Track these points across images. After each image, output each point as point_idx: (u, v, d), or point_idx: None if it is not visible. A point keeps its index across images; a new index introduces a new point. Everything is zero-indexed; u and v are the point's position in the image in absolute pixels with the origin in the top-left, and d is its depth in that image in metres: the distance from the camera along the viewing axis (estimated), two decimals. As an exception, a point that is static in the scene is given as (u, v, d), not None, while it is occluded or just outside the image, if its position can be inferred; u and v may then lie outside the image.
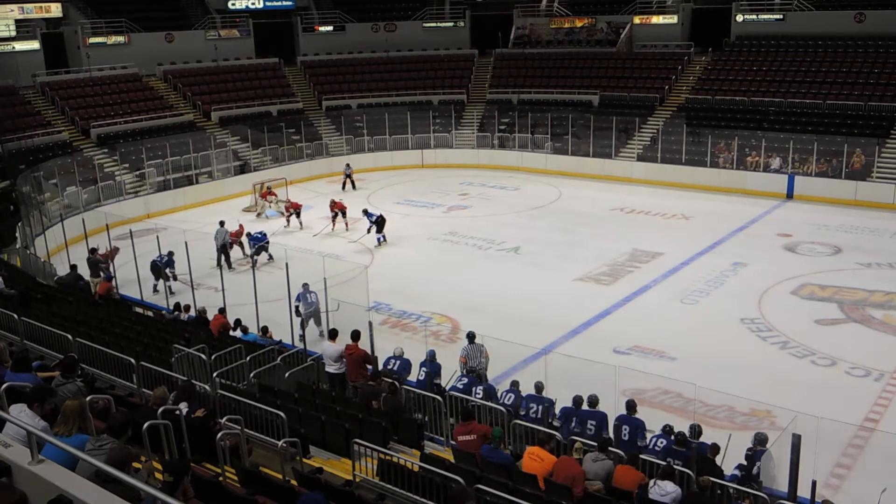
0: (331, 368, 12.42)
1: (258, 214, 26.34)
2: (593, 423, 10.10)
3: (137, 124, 31.03)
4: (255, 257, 20.10)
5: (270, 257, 20.69)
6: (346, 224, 24.01)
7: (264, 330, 14.70)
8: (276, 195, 26.77)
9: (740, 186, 27.85)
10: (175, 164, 28.77)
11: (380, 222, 22.66)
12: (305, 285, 15.36)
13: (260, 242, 20.61)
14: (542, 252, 21.66)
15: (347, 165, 30.52)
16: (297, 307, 15.26)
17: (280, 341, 14.24)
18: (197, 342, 12.24)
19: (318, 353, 13.64)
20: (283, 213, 25.38)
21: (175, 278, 18.71)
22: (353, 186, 29.76)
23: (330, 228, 23.97)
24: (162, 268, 18.52)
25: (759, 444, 9.38)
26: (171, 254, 18.53)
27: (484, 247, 22.42)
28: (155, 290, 18.82)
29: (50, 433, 5.37)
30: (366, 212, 23.07)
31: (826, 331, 16.01)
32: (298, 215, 24.55)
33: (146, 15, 35.91)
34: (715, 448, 9.43)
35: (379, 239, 22.63)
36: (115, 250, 19.16)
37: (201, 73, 35.48)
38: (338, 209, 24.06)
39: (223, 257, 20.08)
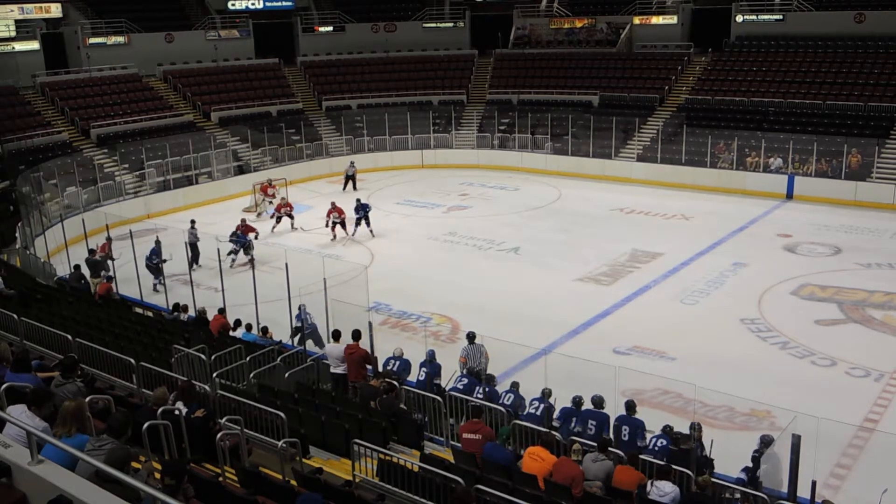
0: (337, 370, 12.40)
1: (258, 214, 26.28)
2: (594, 423, 10.10)
3: (137, 124, 31.02)
4: (233, 256, 20.29)
5: (251, 260, 19.72)
6: (347, 230, 23.24)
7: (264, 330, 14.69)
8: (276, 188, 26.68)
9: (740, 187, 27.85)
10: (175, 164, 28.75)
11: (367, 215, 23.15)
12: (302, 307, 14.67)
13: (243, 242, 20.56)
14: (542, 252, 21.66)
15: (352, 164, 30.19)
16: (297, 328, 14.82)
17: (280, 342, 14.24)
18: (197, 342, 12.23)
19: (317, 353, 13.67)
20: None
21: (164, 261, 18.93)
22: (355, 187, 29.57)
23: (332, 238, 22.99)
24: (154, 261, 18.81)
25: (765, 446, 9.37)
26: (157, 242, 18.90)
27: (484, 247, 22.42)
28: (155, 288, 18.86)
29: (50, 433, 5.37)
30: (359, 208, 23.21)
31: (826, 331, 16.01)
32: (291, 216, 24.28)
33: (146, 15, 35.93)
34: (685, 439, 9.56)
35: (371, 231, 23.08)
36: (108, 242, 19.21)
37: (201, 74, 35.48)
38: (338, 215, 22.95)
39: (193, 257, 20.22)
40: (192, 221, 21.16)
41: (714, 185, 28.29)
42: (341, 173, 30.53)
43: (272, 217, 24.59)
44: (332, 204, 23.31)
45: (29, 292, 14.98)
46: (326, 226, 23.05)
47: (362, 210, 23.39)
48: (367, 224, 23.29)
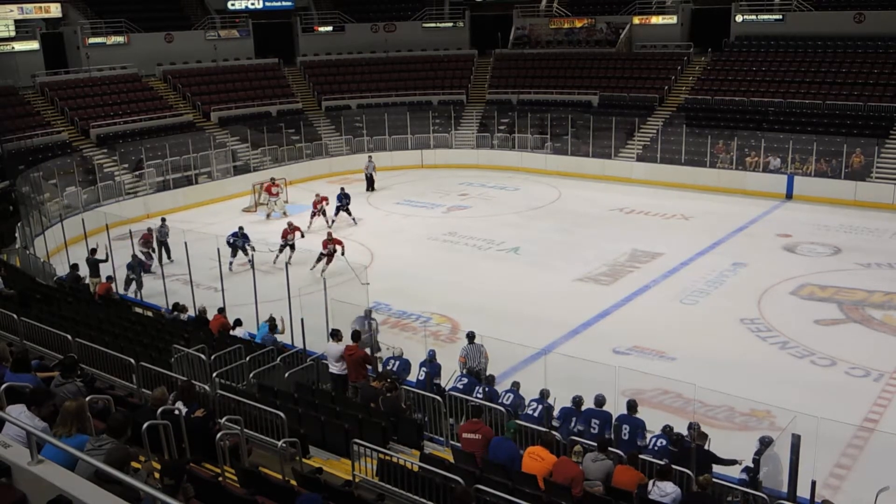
0: (334, 369, 12.43)
1: (268, 215, 26.05)
2: (597, 422, 10.10)
3: (137, 124, 31.01)
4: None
5: (251, 261, 19.08)
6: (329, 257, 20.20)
7: (272, 320, 14.52)
8: (279, 186, 26.61)
9: (740, 186, 27.85)
10: (175, 164, 28.75)
11: (348, 206, 24.04)
12: (368, 311, 14.15)
13: (242, 244, 20.57)
14: (542, 252, 21.65)
15: (370, 160, 29.94)
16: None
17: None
18: (197, 342, 12.24)
19: (317, 352, 13.66)
20: (285, 214, 25.20)
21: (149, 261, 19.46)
22: (373, 187, 29.41)
23: (324, 266, 19.75)
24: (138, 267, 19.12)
25: (765, 446, 9.37)
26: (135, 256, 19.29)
27: (484, 247, 22.41)
28: (130, 289, 18.99)
29: (49, 433, 5.37)
30: (342, 196, 23.51)
31: (826, 331, 16.01)
32: (324, 213, 24.07)
33: (146, 15, 35.91)
34: (702, 436, 9.57)
35: (353, 219, 23.85)
36: (148, 233, 19.78)
37: (201, 74, 35.47)
38: (336, 245, 20.17)
39: (165, 253, 20.43)
40: (163, 219, 21.47)
41: (714, 185, 28.29)
42: (341, 173, 30.34)
43: (312, 216, 24.07)
44: (329, 234, 20.89)
45: (29, 292, 14.98)
46: (320, 257, 20.03)
47: (346, 199, 24.09)
48: (349, 213, 24.06)
